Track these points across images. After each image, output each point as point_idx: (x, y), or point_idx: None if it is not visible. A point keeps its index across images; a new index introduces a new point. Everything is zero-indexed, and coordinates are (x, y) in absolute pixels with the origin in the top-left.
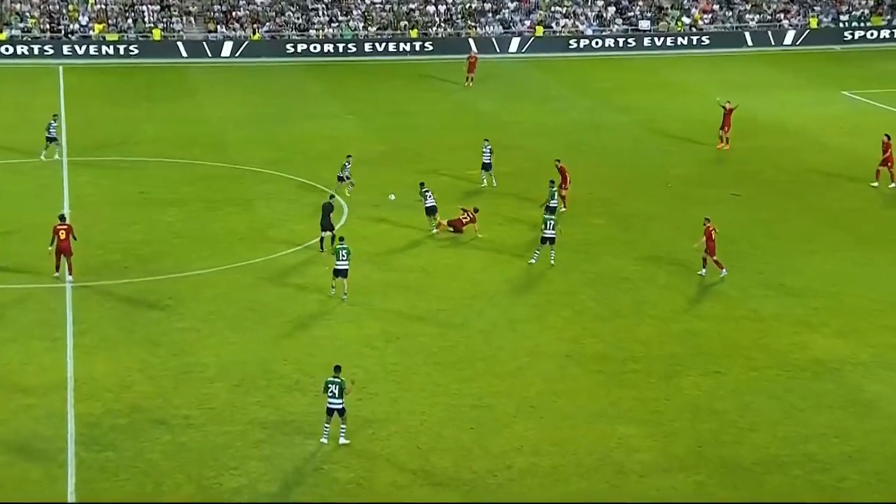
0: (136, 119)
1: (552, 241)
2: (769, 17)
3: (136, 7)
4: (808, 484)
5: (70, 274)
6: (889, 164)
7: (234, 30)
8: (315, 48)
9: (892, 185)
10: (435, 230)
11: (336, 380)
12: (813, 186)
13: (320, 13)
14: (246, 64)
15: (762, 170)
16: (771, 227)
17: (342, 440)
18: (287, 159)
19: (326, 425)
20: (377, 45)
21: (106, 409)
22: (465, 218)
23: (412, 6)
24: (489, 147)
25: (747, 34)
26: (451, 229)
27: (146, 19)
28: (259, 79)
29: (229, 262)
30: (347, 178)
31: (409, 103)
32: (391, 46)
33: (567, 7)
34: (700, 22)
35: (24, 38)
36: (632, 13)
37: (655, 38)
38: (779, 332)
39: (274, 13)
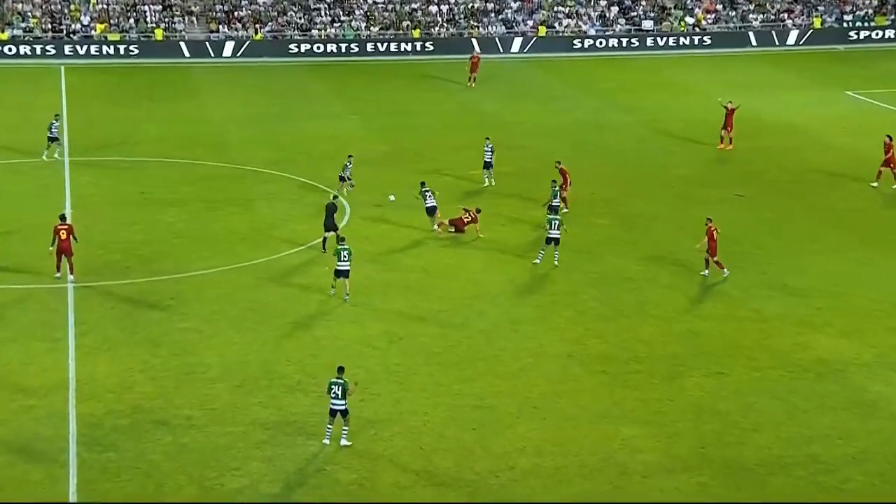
0: (138, 119)
1: (556, 241)
2: (773, 17)
3: (137, 7)
4: (811, 485)
5: (71, 273)
6: (891, 164)
7: (236, 30)
8: (317, 48)
9: (895, 186)
10: (436, 227)
11: (339, 381)
12: (817, 186)
13: (322, 13)
14: (248, 64)
15: (766, 170)
16: (774, 227)
17: (344, 441)
18: (289, 159)
19: (329, 426)
20: (379, 45)
21: (107, 409)
22: (467, 218)
23: (414, 6)
24: (490, 146)
25: (751, 34)
26: (453, 229)
27: (148, 19)
28: (261, 79)
29: (231, 262)
30: (348, 178)
31: (412, 103)
32: (393, 46)
33: (570, 7)
34: (703, 22)
35: (26, 38)
36: (635, 13)
37: (658, 39)
38: (782, 333)
39: (276, 13)
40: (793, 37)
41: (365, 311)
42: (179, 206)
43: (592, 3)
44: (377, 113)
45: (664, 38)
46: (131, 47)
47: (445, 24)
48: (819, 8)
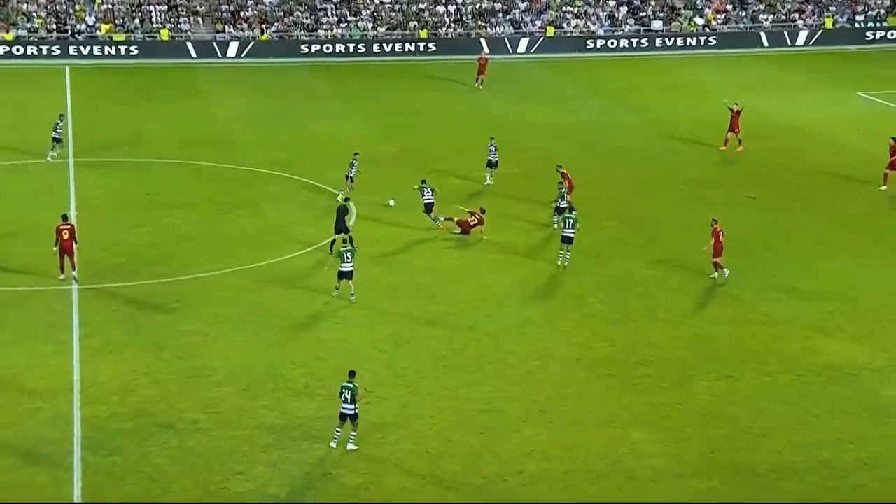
0: (143, 119)
1: (570, 241)
2: (783, 18)
3: (143, 7)
4: (822, 490)
5: (73, 270)
6: None
7: (241, 30)
8: (324, 48)
9: None
10: (438, 222)
11: (349, 385)
12: (827, 189)
13: (329, 13)
14: (254, 64)
15: (776, 171)
16: (785, 229)
17: (350, 446)
18: (295, 160)
19: (338, 430)
20: (386, 45)
21: (111, 412)
22: (474, 220)
23: (422, 6)
24: (495, 146)
25: (762, 34)
26: (459, 230)
27: (153, 19)
28: (267, 79)
29: (236, 264)
30: (352, 177)
31: (418, 104)
32: (400, 47)
33: (578, 7)
34: (713, 22)
35: (31, 39)
36: (644, 13)
37: (667, 39)
38: (793, 337)
39: (282, 13)
40: (803, 37)
41: (372, 314)
42: (185, 207)
43: (601, 3)
44: (383, 113)
45: (673, 39)
46: (136, 48)
47: (453, 25)
48: (831, 8)
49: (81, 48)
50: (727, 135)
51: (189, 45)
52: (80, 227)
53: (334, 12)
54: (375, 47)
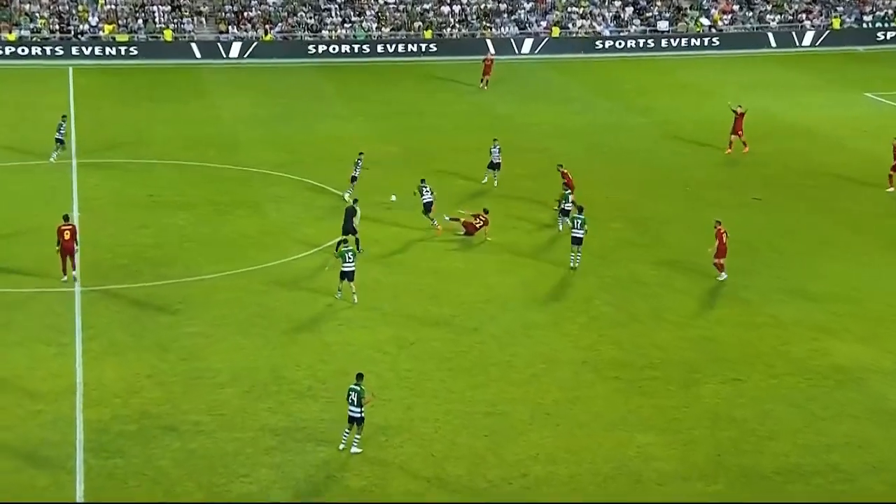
0: (146, 120)
1: (580, 241)
2: (790, 18)
3: (146, 8)
4: (829, 494)
5: (74, 270)
6: None
7: (245, 30)
8: (328, 49)
9: None
10: (435, 222)
11: (356, 387)
12: (834, 190)
13: (333, 14)
14: (257, 65)
15: (782, 173)
16: (791, 230)
17: (355, 449)
18: (298, 161)
19: (346, 432)
20: (390, 46)
21: (114, 414)
22: (479, 222)
23: (426, 7)
24: (498, 147)
25: (770, 35)
26: (463, 231)
27: (156, 20)
28: (270, 80)
29: (240, 266)
30: (355, 176)
31: (423, 105)
32: (404, 47)
33: (584, 7)
34: (720, 23)
35: (34, 39)
36: (650, 14)
37: (673, 40)
38: (799, 339)
39: (286, 13)
40: (811, 38)
41: (375, 316)
42: (188, 208)
43: (607, 3)
44: (387, 114)
45: (679, 40)
46: (139, 48)
47: (457, 25)
48: (838, 8)
49: (84, 49)
50: (731, 137)
51: (193, 45)
52: (83, 229)
53: (338, 13)
54: (380, 48)
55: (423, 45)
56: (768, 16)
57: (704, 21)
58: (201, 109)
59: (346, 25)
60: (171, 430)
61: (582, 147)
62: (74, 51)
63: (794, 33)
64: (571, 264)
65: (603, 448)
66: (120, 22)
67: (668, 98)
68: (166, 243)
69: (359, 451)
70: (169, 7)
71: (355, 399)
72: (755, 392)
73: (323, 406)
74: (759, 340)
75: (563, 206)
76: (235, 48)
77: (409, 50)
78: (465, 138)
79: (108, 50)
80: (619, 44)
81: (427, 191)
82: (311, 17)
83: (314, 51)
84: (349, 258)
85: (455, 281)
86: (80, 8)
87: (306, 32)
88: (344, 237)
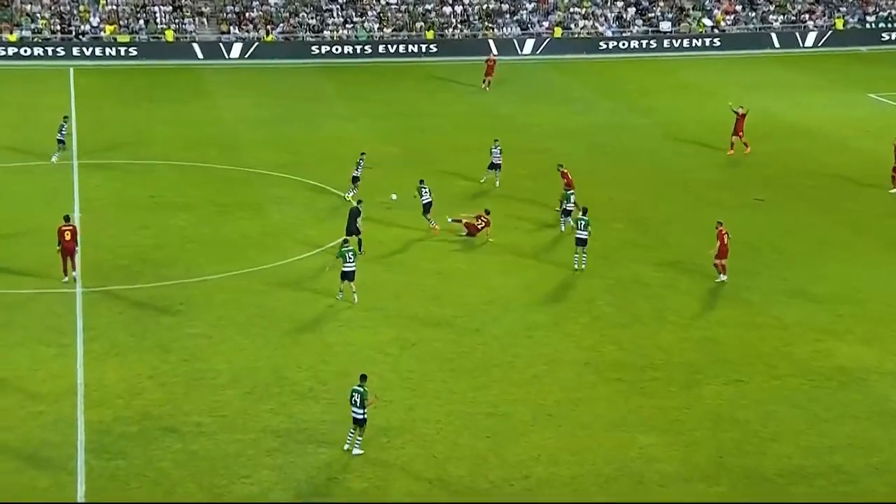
0: (147, 121)
1: (584, 243)
2: (793, 18)
3: (147, 8)
4: (832, 496)
5: (74, 271)
6: None
7: (247, 31)
8: (329, 49)
9: None
10: (433, 223)
11: (359, 389)
12: (837, 191)
13: (335, 14)
14: (259, 65)
15: (786, 174)
16: (794, 232)
17: (356, 450)
18: (299, 162)
19: (351, 433)
20: (392, 46)
21: (116, 416)
22: (481, 224)
23: (428, 7)
24: (499, 147)
25: (773, 35)
26: (465, 232)
27: (158, 20)
28: (272, 80)
29: (241, 266)
30: (356, 176)
31: (425, 105)
32: (406, 48)
33: (586, 8)
34: (722, 23)
35: (35, 40)
36: (652, 14)
37: (675, 40)
38: (802, 340)
39: (288, 14)
40: (814, 38)
41: (377, 316)
42: (189, 209)
43: (609, 4)
44: (389, 115)
45: (682, 40)
46: (140, 49)
47: (459, 26)
48: (841, 9)
49: (85, 49)
50: (732, 139)
51: (195, 45)
52: (84, 229)
53: (340, 13)
54: (381, 48)
55: (425, 46)
56: (771, 16)
57: (707, 21)
58: (202, 110)
59: (347, 26)
60: (173, 432)
61: (584, 148)
62: (75, 51)
63: (797, 34)
64: (576, 266)
65: (605, 449)
66: (121, 22)
67: (670, 99)
68: (167, 244)
69: (360, 452)
70: (170, 7)
71: (358, 400)
72: (757, 393)
73: (324, 407)
74: (761, 341)
75: (565, 206)
76: (237, 49)
77: (410, 51)
78: (466, 139)
79: (109, 50)
80: (622, 44)
81: (426, 191)
82: (312, 18)
83: (316, 51)
84: (349, 258)
85: (457, 282)
86: (81, 8)
87: (308, 33)
88: (346, 238)
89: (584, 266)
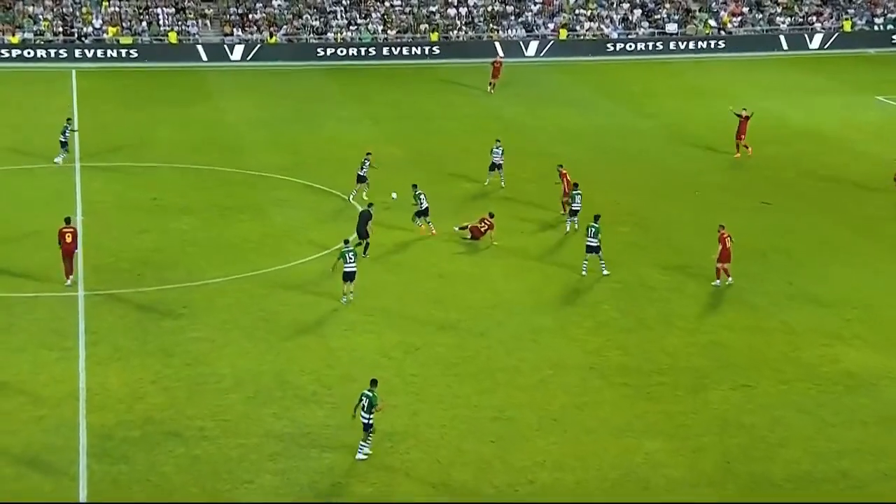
0: (150, 123)
1: (596, 249)
2: (801, 20)
3: (150, 10)
4: (840, 501)
5: (71, 274)
6: None
7: (250, 33)
8: (333, 52)
9: None
10: (418, 221)
11: (368, 393)
12: (844, 194)
13: (338, 16)
14: (262, 67)
15: (792, 177)
16: (801, 236)
17: (360, 455)
18: (303, 164)
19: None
20: (396, 48)
21: (118, 420)
22: (484, 226)
23: (433, 9)
24: (501, 148)
25: (782, 37)
26: (469, 236)
27: (160, 22)
28: (275, 82)
29: (244, 270)
30: (360, 175)
31: (430, 108)
32: (411, 50)
33: (592, 10)
34: (729, 25)
35: (38, 42)
36: (658, 16)
37: (681, 42)
38: (810, 345)
39: (291, 16)
40: (820, 40)
41: (380, 320)
42: (192, 212)
43: (615, 6)
44: (393, 117)
45: (688, 42)
46: (143, 51)
47: (464, 28)
48: (849, 11)
49: (88, 51)
50: (736, 141)
51: (199, 47)
52: (87, 232)
53: (344, 15)
54: (385, 50)
55: (430, 48)
56: (778, 18)
57: (713, 23)
58: (205, 112)
59: (351, 28)
60: (175, 436)
61: (589, 150)
62: (78, 53)
63: (804, 35)
64: (583, 272)
65: (610, 454)
66: (124, 24)
67: (676, 101)
68: (170, 247)
69: (364, 456)
70: (173, 9)
71: (366, 405)
72: (765, 398)
73: (328, 412)
74: (768, 346)
75: (571, 206)
76: (240, 51)
77: (414, 53)
78: (471, 141)
79: (111, 52)
80: (628, 46)
81: (423, 197)
82: (316, 20)
83: (320, 53)
84: (350, 258)
85: (461, 285)
86: (83, 10)
87: (312, 35)
88: (346, 238)
89: (606, 272)
